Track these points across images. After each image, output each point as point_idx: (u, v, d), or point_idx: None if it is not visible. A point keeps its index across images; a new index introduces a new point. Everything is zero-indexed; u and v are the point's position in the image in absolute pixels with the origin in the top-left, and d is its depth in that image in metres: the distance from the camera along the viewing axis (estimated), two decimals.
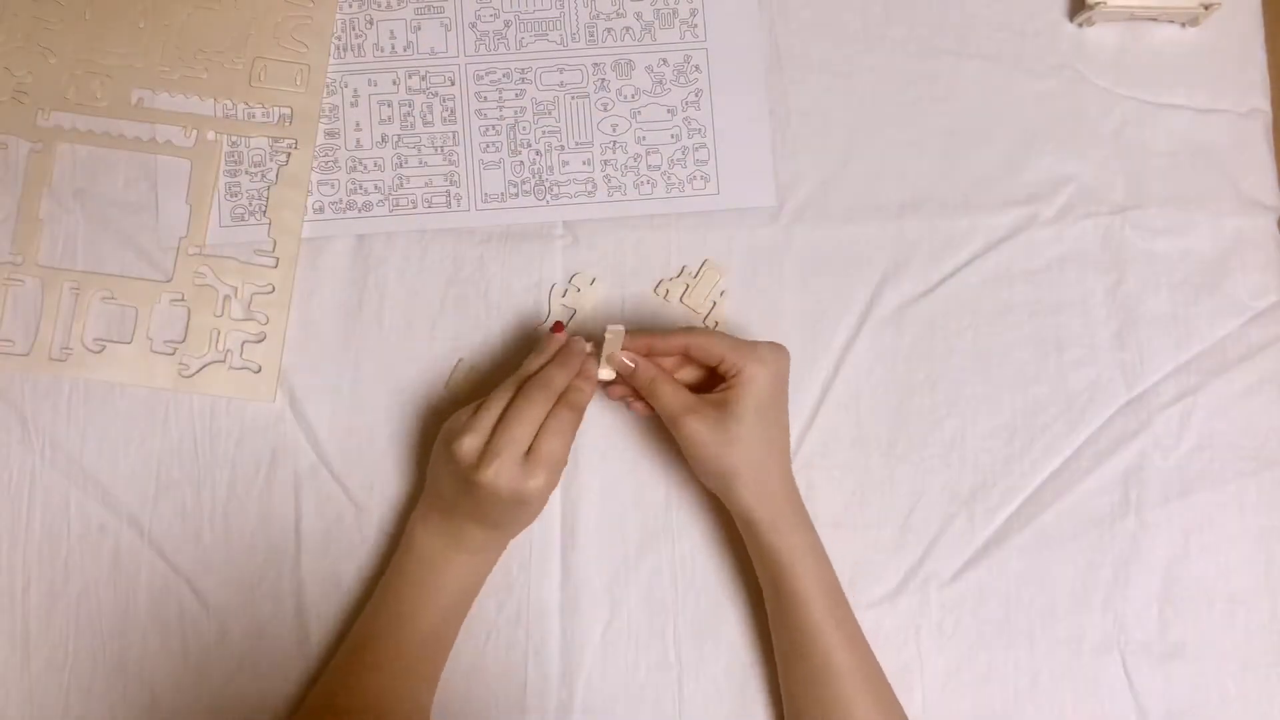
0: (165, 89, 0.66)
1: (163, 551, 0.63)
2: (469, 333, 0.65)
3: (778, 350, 0.58)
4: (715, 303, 0.66)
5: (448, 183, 0.66)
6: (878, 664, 0.59)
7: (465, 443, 0.54)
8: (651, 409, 0.59)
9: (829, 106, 0.67)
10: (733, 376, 0.57)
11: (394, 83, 0.67)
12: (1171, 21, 0.68)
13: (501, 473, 0.54)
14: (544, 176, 0.66)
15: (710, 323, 0.65)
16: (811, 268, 0.66)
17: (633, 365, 0.58)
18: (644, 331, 0.59)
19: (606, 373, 0.58)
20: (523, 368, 0.58)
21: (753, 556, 0.60)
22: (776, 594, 0.59)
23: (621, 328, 0.59)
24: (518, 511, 0.57)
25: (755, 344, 0.58)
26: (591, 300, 0.65)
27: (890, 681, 0.59)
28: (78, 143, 0.66)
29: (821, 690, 0.57)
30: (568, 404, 0.56)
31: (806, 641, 0.57)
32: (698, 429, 0.57)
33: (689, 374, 0.61)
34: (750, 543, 0.60)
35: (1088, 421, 0.65)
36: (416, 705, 0.59)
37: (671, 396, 0.58)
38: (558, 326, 0.61)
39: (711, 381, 0.60)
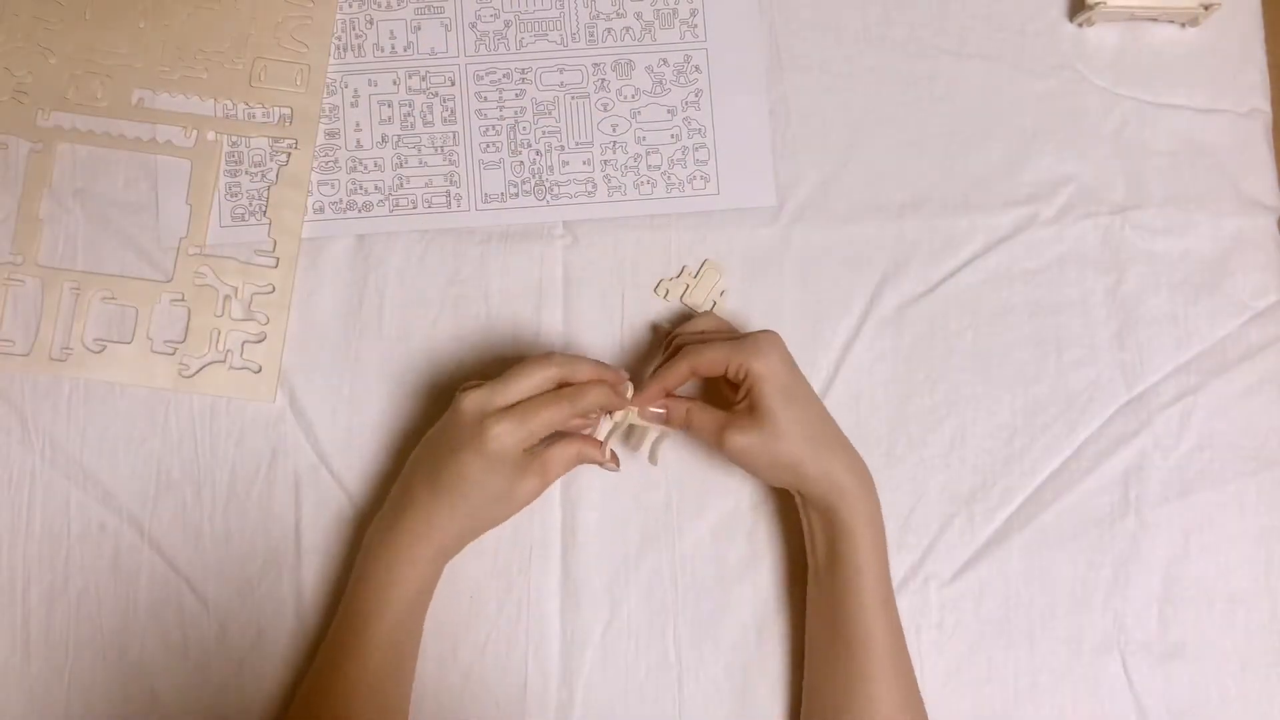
0: (165, 89, 0.66)
1: (163, 551, 0.63)
2: (469, 333, 0.65)
3: (770, 336, 0.58)
4: (715, 303, 0.66)
5: (448, 183, 0.66)
6: (907, 652, 0.59)
7: (486, 395, 0.55)
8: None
9: (829, 106, 0.67)
10: (744, 379, 0.57)
11: (394, 83, 0.67)
12: (1171, 21, 0.68)
13: (505, 435, 0.54)
14: (544, 176, 0.66)
15: None
16: (811, 268, 0.66)
17: (663, 412, 0.59)
18: (651, 378, 0.59)
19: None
20: (572, 364, 0.57)
21: (807, 523, 0.59)
22: (831, 557, 0.58)
23: (628, 385, 0.59)
24: (495, 492, 0.56)
25: (749, 339, 0.57)
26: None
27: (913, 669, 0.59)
28: (78, 143, 0.66)
29: (850, 663, 0.57)
30: (588, 442, 0.58)
31: (850, 614, 0.57)
32: (740, 440, 0.57)
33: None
34: (811, 513, 0.59)
35: (1088, 421, 0.65)
36: (390, 707, 0.58)
37: (707, 422, 0.58)
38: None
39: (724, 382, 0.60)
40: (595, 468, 0.64)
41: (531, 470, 0.57)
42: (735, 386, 0.58)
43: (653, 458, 0.60)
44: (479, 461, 0.55)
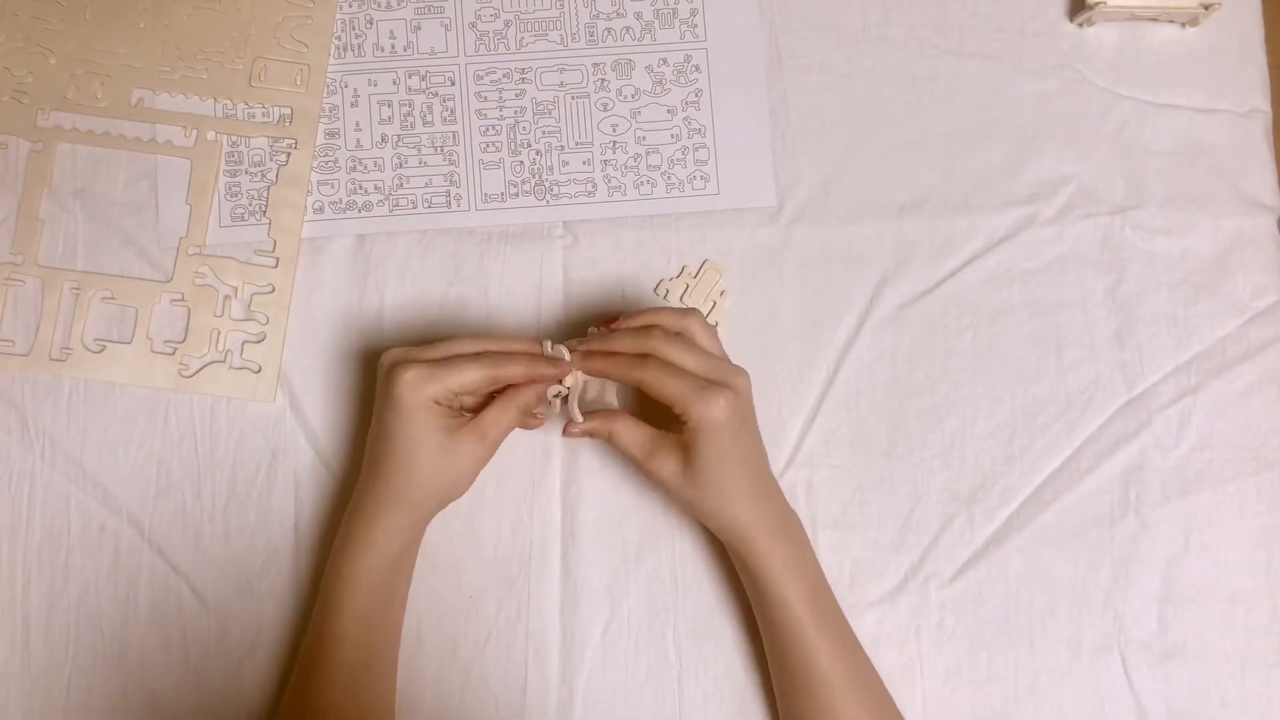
0: (165, 89, 0.66)
1: (163, 551, 0.63)
2: (468, 333, 0.65)
3: (734, 390, 0.55)
4: (715, 303, 0.66)
5: (448, 183, 0.66)
6: (870, 669, 0.59)
7: (405, 350, 0.56)
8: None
9: (829, 106, 0.67)
10: (688, 423, 0.55)
11: (394, 83, 0.67)
12: (1171, 21, 0.68)
13: (414, 381, 0.54)
14: (544, 176, 0.66)
15: (710, 322, 0.65)
16: (811, 268, 0.66)
17: (584, 420, 0.58)
18: (600, 348, 0.57)
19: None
20: (505, 345, 0.57)
21: (735, 566, 0.60)
22: (758, 602, 0.59)
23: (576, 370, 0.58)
24: (421, 449, 0.55)
25: (709, 391, 0.55)
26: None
27: (890, 681, 0.59)
28: (78, 143, 0.66)
29: (808, 695, 0.57)
30: (524, 393, 0.57)
31: (790, 649, 0.57)
32: (664, 471, 0.57)
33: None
34: (731, 555, 0.60)
35: (1088, 421, 0.65)
36: (372, 705, 0.58)
37: (631, 440, 0.58)
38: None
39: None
40: (598, 463, 0.64)
41: (466, 432, 0.56)
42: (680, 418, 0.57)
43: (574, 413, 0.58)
44: (393, 415, 0.55)
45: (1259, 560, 0.64)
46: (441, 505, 0.59)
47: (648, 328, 0.57)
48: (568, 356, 0.57)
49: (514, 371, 0.56)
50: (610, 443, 0.59)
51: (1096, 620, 0.63)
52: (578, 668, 0.63)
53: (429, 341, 0.57)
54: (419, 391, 0.54)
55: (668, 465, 0.57)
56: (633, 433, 0.58)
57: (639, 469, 0.58)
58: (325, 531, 0.63)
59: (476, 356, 0.56)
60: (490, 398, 0.58)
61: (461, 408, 0.58)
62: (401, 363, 0.55)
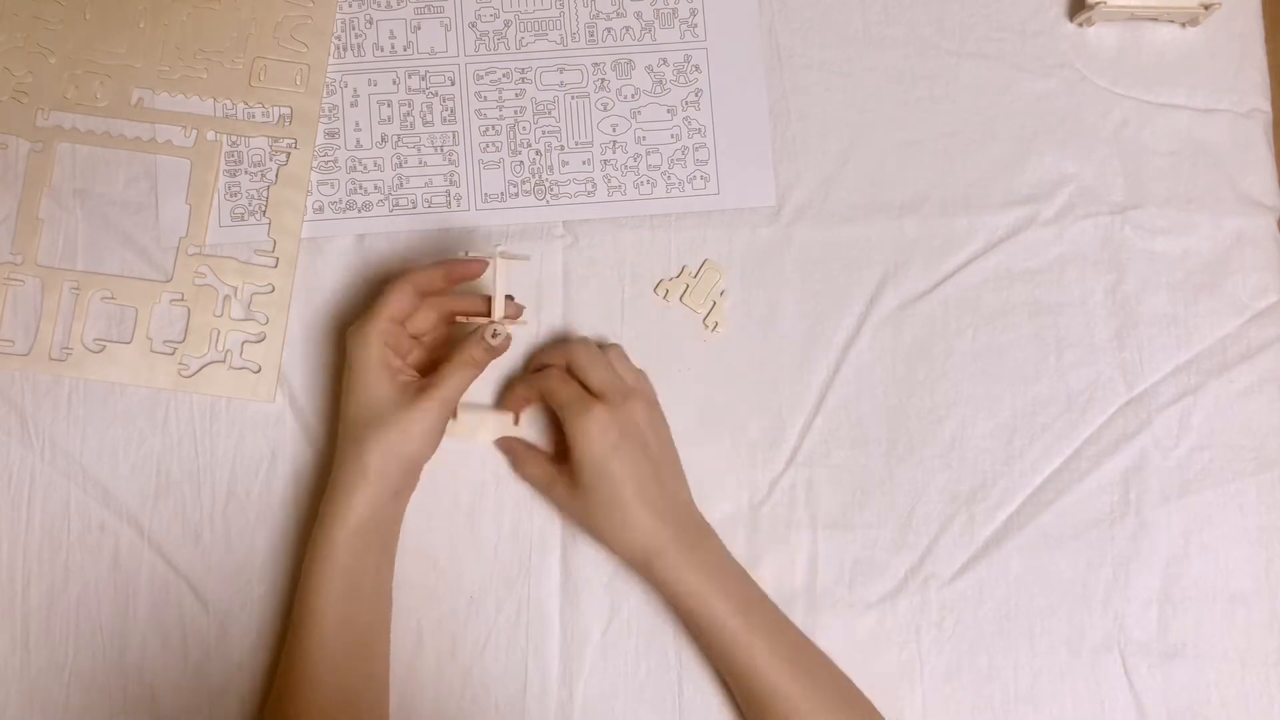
0: (165, 89, 0.66)
1: (163, 551, 0.63)
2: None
3: (615, 410, 0.57)
4: (715, 303, 0.66)
5: (448, 183, 0.66)
6: (837, 672, 0.59)
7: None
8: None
9: (829, 106, 0.67)
10: (568, 438, 0.57)
11: (394, 82, 0.67)
12: (1171, 21, 0.68)
13: (357, 330, 0.56)
14: (544, 176, 0.66)
15: (710, 323, 0.65)
16: (811, 268, 0.66)
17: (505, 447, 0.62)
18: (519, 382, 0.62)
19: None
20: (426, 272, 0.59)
21: (660, 596, 0.61)
22: (688, 622, 0.59)
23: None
24: (376, 403, 0.56)
25: (583, 400, 0.57)
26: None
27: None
28: (78, 143, 0.66)
29: (758, 705, 0.57)
30: (466, 351, 0.57)
31: (730, 659, 0.57)
32: (558, 500, 0.60)
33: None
34: (650, 584, 0.60)
35: (1088, 421, 0.65)
36: (363, 688, 0.58)
37: (537, 474, 0.61)
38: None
39: None
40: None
41: (421, 399, 0.56)
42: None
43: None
44: (350, 375, 0.57)
45: (1259, 560, 0.64)
46: (407, 469, 0.58)
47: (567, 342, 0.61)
48: (503, 264, 0.58)
49: (435, 276, 0.58)
50: (517, 469, 0.62)
51: (1096, 620, 0.63)
52: (578, 668, 0.63)
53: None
54: (364, 338, 0.56)
55: (562, 492, 0.59)
56: (533, 461, 0.61)
57: (544, 495, 0.61)
58: None
59: (398, 279, 0.57)
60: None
61: (416, 367, 0.59)
62: (353, 324, 0.58)
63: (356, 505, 0.56)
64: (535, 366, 0.62)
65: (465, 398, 0.60)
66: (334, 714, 0.56)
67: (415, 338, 0.60)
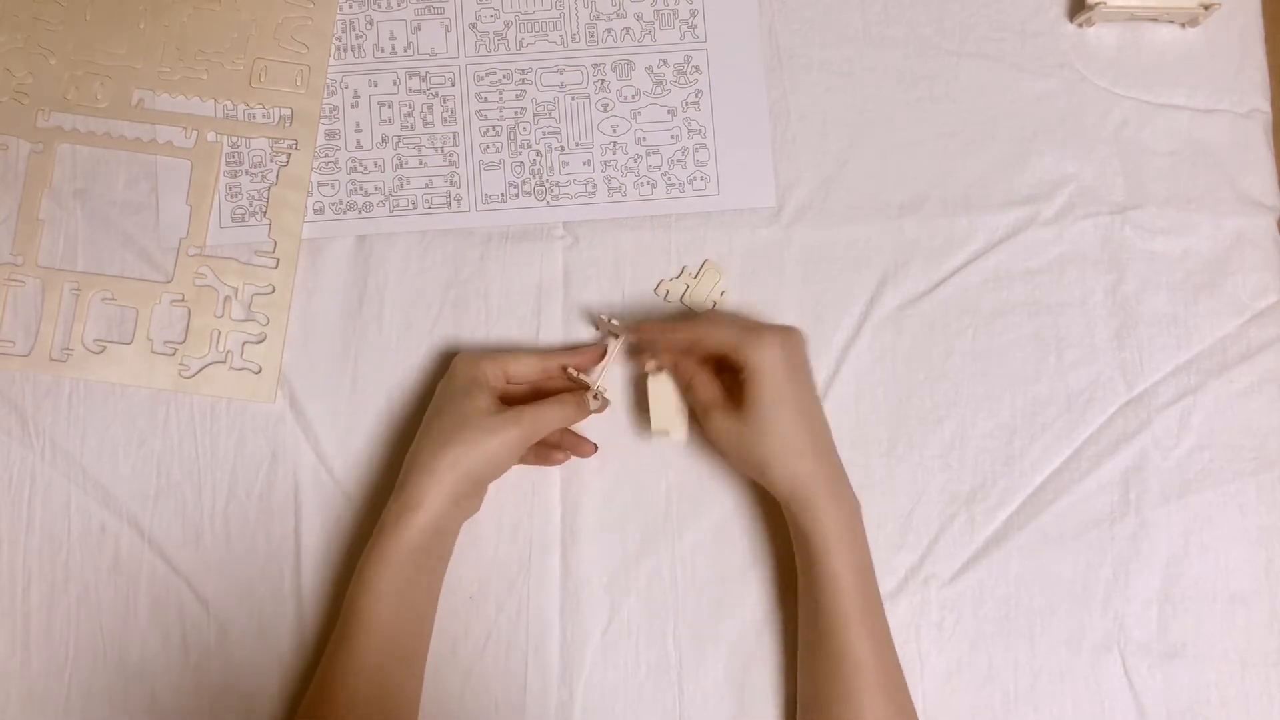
0: (165, 90, 0.66)
1: (163, 552, 0.63)
2: (469, 333, 0.65)
3: (787, 333, 0.58)
4: (715, 303, 0.66)
5: (448, 183, 0.66)
6: (898, 664, 0.58)
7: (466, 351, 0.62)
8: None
9: (829, 106, 0.67)
10: (743, 368, 0.57)
11: (394, 83, 0.67)
12: (1171, 21, 0.68)
13: (470, 358, 0.60)
14: (544, 177, 0.67)
15: None
16: (811, 268, 0.66)
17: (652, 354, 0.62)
18: (654, 323, 0.62)
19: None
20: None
21: (791, 535, 0.60)
22: (807, 574, 0.58)
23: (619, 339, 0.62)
24: (468, 418, 0.58)
25: (761, 331, 0.58)
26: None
27: (904, 678, 0.59)
28: (78, 143, 0.66)
29: (835, 681, 0.57)
30: (571, 403, 0.60)
31: (829, 627, 0.57)
32: (721, 424, 0.58)
33: (705, 368, 0.62)
34: (789, 520, 0.59)
35: (1088, 421, 0.65)
36: (399, 699, 0.58)
37: (702, 393, 0.60)
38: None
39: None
40: (598, 463, 0.64)
41: (509, 416, 0.58)
42: (737, 371, 0.59)
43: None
44: (446, 386, 0.60)
45: (1259, 560, 0.64)
46: (477, 483, 0.59)
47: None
48: (616, 326, 0.61)
49: (568, 358, 0.61)
50: (690, 388, 0.60)
51: (1096, 620, 0.63)
52: (578, 668, 0.63)
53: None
54: (474, 364, 0.60)
55: (727, 419, 0.58)
56: (706, 386, 0.60)
57: (701, 428, 0.60)
58: (325, 531, 0.63)
59: (541, 356, 0.62)
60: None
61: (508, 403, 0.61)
62: (465, 351, 0.62)
63: (426, 508, 0.57)
64: (647, 342, 0.62)
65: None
66: (371, 716, 0.56)
67: (509, 382, 0.62)
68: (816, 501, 0.57)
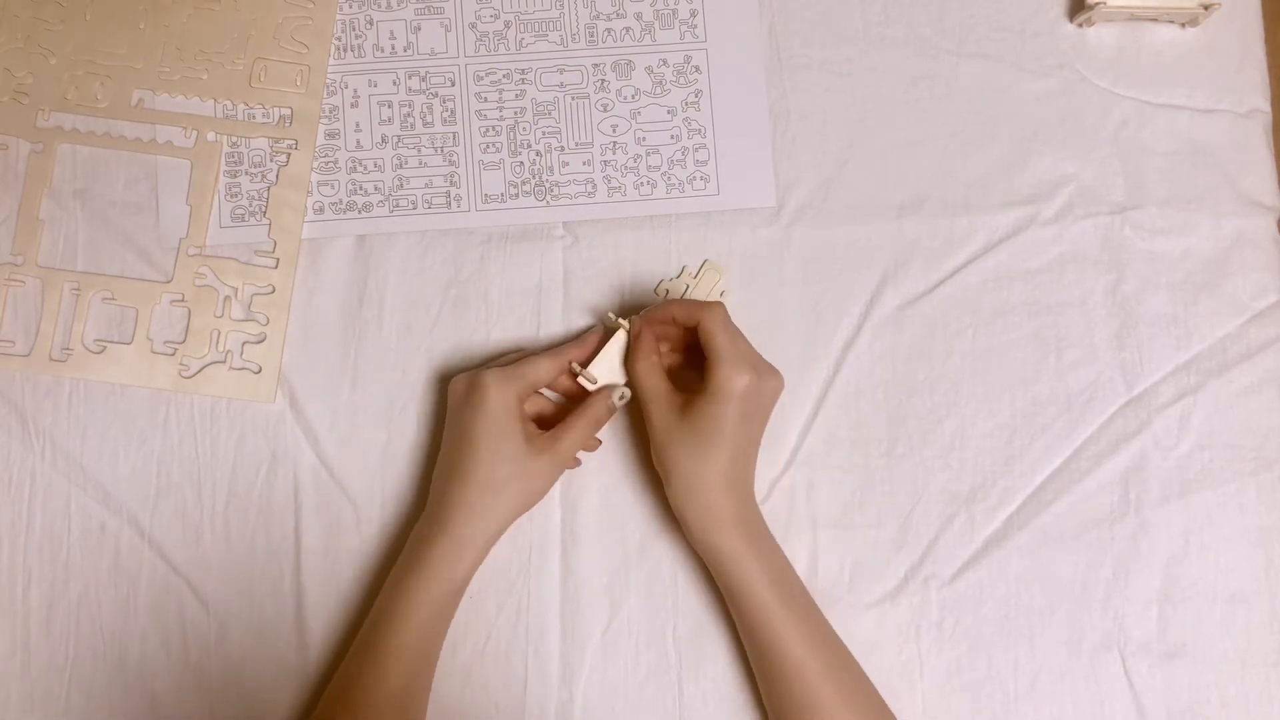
0: (165, 90, 0.66)
1: (163, 552, 0.63)
2: (469, 333, 0.65)
3: (760, 375, 0.58)
4: None
5: (448, 183, 0.66)
6: (849, 661, 0.59)
7: (462, 375, 0.61)
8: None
9: (829, 106, 0.67)
10: (707, 377, 0.57)
11: (394, 83, 0.67)
12: (1171, 21, 0.68)
13: (496, 382, 0.58)
14: (544, 177, 0.67)
15: None
16: (811, 268, 0.66)
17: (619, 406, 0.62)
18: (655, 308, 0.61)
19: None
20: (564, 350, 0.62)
21: (704, 559, 0.61)
22: (728, 593, 0.59)
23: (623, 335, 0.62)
24: (504, 453, 0.58)
25: (744, 358, 0.57)
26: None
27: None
28: (78, 143, 0.66)
29: (786, 693, 0.57)
30: (590, 411, 0.60)
31: (763, 646, 0.58)
32: (659, 417, 0.59)
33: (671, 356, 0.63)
34: (694, 545, 0.60)
35: (1088, 421, 0.65)
36: (419, 705, 0.59)
37: (651, 375, 0.60)
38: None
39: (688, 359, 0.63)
40: (598, 463, 0.64)
41: (543, 439, 0.59)
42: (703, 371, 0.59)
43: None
44: (482, 418, 0.58)
45: (1259, 560, 0.64)
46: (515, 515, 0.60)
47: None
48: (624, 324, 0.61)
49: (574, 352, 0.61)
50: (632, 355, 0.60)
51: (1096, 620, 0.63)
52: (578, 668, 0.63)
53: (487, 361, 0.62)
54: (505, 393, 0.58)
55: (663, 412, 0.58)
56: (655, 367, 0.60)
57: (644, 409, 0.60)
58: (325, 531, 0.63)
59: (538, 352, 0.61)
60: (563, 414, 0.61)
61: (536, 422, 0.61)
62: (478, 374, 0.59)
63: (474, 554, 0.58)
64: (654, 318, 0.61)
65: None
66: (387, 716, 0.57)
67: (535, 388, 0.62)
68: (731, 531, 0.58)
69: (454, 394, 0.60)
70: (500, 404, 0.58)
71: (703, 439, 0.57)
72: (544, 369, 0.60)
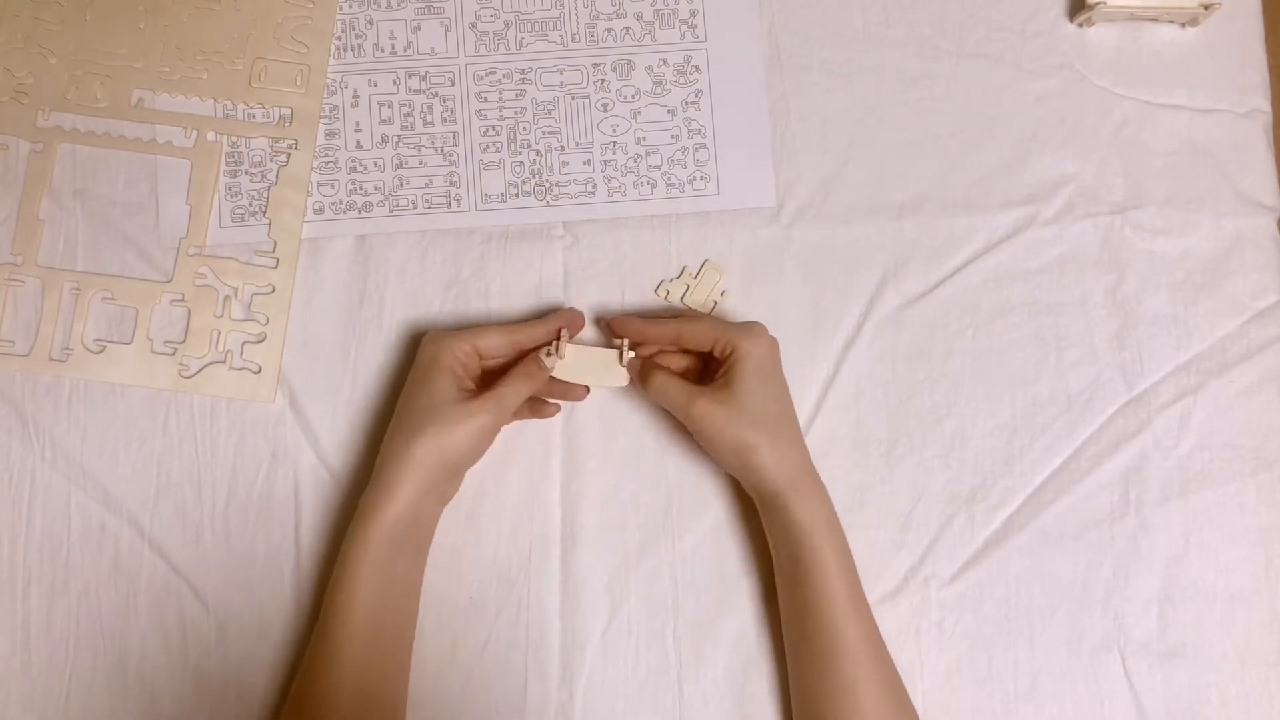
0: (165, 90, 0.66)
1: (163, 552, 0.63)
2: None
3: (762, 326, 0.61)
4: (715, 303, 0.66)
5: (448, 183, 0.66)
6: (887, 650, 0.58)
7: (430, 333, 0.61)
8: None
9: (829, 106, 0.67)
10: (729, 355, 0.59)
11: (394, 83, 0.67)
12: (1171, 21, 0.68)
13: (438, 338, 0.59)
14: (544, 177, 0.67)
15: None
16: (811, 268, 0.66)
17: (629, 376, 0.61)
18: (637, 316, 0.62)
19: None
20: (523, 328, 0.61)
21: (769, 530, 0.60)
22: (794, 564, 0.58)
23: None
24: (439, 400, 0.57)
25: (746, 324, 0.60)
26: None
27: (896, 668, 0.59)
28: (78, 143, 0.66)
29: (830, 673, 0.57)
30: (532, 365, 0.60)
31: (820, 616, 0.57)
32: (708, 409, 0.58)
33: (678, 362, 0.63)
34: (768, 515, 0.59)
35: (1088, 421, 0.65)
36: (384, 685, 0.58)
37: (677, 388, 0.59)
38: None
39: (701, 371, 0.63)
40: (598, 462, 0.64)
41: (476, 404, 0.57)
42: (714, 369, 0.60)
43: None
44: (415, 371, 0.59)
45: (1259, 560, 0.64)
46: (451, 472, 0.59)
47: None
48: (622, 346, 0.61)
49: (535, 333, 0.60)
50: (648, 389, 0.60)
51: (1096, 620, 0.63)
52: (578, 668, 0.63)
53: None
54: (442, 346, 0.59)
55: (714, 402, 0.58)
56: (674, 385, 0.59)
57: (683, 417, 0.59)
58: (325, 531, 0.63)
59: (506, 330, 0.60)
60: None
61: (479, 382, 0.61)
62: (432, 331, 0.61)
63: (398, 498, 0.57)
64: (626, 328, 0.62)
65: (577, 340, 0.63)
66: (354, 708, 0.56)
67: (482, 358, 0.61)
68: (805, 489, 0.58)
69: (430, 346, 0.60)
70: (430, 355, 0.59)
71: (757, 401, 0.58)
72: (492, 338, 0.60)
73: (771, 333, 0.61)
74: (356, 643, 0.56)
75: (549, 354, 0.61)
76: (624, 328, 0.61)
